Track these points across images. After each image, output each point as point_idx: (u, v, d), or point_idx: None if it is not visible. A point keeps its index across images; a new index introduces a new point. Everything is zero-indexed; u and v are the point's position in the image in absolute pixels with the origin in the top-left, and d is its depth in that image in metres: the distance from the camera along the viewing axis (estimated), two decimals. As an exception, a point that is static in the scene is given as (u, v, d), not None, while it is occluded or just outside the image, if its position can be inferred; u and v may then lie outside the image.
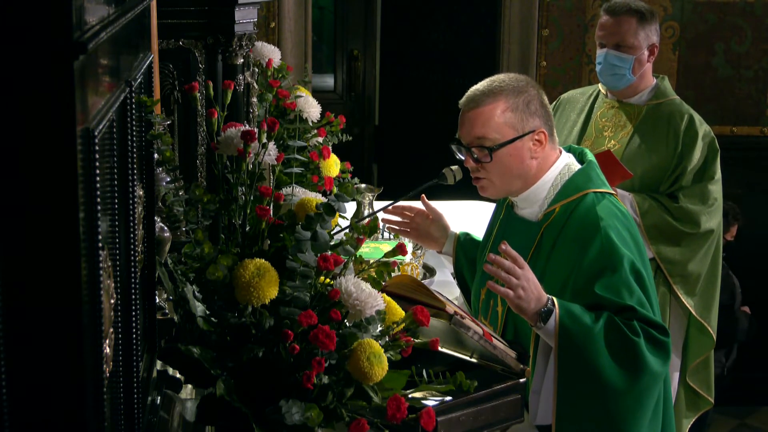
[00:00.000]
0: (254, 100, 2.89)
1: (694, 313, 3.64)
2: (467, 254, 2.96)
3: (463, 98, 2.59)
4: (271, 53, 3.38)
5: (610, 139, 3.68)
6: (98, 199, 1.15)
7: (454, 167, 2.78)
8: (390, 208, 3.01)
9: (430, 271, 3.31)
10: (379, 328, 1.87)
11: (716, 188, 3.62)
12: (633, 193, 3.55)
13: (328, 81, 6.25)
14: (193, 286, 1.85)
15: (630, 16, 3.60)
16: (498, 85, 2.54)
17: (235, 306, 1.82)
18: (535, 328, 2.39)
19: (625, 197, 3.52)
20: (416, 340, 1.93)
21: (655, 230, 3.54)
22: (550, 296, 2.36)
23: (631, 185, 3.55)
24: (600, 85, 3.80)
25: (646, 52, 3.62)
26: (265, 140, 1.98)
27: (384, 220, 3.03)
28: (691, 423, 3.82)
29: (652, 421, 2.48)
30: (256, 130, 1.95)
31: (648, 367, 2.38)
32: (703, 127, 3.63)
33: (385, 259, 2.03)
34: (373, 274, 2.03)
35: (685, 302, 3.62)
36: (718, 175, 3.63)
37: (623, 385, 2.38)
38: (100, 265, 1.18)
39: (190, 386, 2.04)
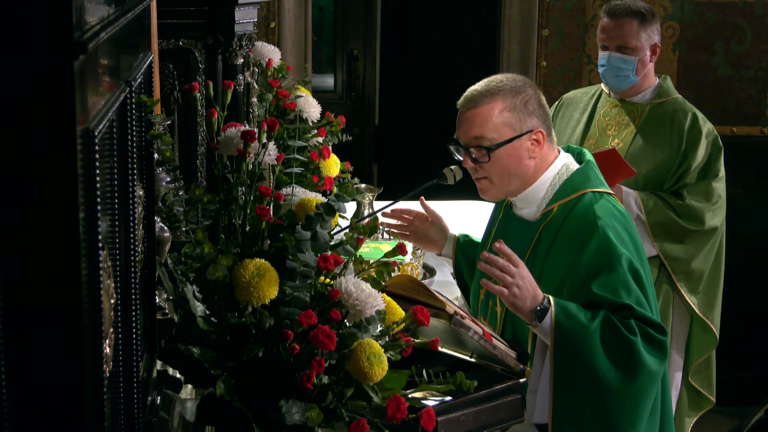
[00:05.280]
0: (254, 100, 2.89)
1: (697, 311, 3.65)
2: (466, 255, 2.96)
3: (461, 98, 2.59)
4: (271, 53, 3.38)
5: (613, 138, 3.68)
6: (98, 199, 1.15)
7: (454, 167, 2.78)
8: (388, 211, 3.00)
9: (430, 271, 3.30)
10: (379, 328, 1.87)
11: (720, 186, 3.63)
12: (637, 191, 3.55)
13: (328, 81, 6.24)
14: (193, 286, 1.85)
15: (631, 18, 3.59)
16: (496, 85, 2.55)
17: (235, 306, 1.82)
18: (532, 327, 2.38)
19: (630, 195, 3.52)
20: (416, 340, 1.93)
21: (659, 228, 3.55)
22: (546, 294, 2.36)
23: (635, 183, 3.56)
24: (602, 84, 3.80)
25: (648, 53, 3.62)
26: (265, 140, 1.98)
27: (382, 224, 3.02)
28: (693, 422, 3.83)
29: (650, 421, 2.48)
30: (256, 130, 1.95)
31: (645, 366, 2.38)
32: (706, 125, 3.64)
33: (385, 259, 2.03)
34: (373, 274, 2.03)
35: (689, 300, 3.63)
36: (722, 172, 3.64)
37: (619, 383, 2.37)
38: (100, 265, 1.18)
39: (190, 386, 2.04)
